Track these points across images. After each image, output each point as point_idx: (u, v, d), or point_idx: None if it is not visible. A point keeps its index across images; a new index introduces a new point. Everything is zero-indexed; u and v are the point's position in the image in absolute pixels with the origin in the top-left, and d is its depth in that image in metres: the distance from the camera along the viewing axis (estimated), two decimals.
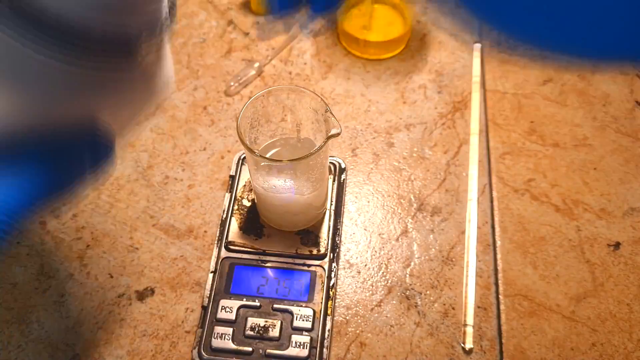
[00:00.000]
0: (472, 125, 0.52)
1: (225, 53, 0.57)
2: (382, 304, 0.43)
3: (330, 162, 0.48)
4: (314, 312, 0.41)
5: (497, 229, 0.46)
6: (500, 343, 0.41)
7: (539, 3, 0.19)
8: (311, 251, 0.43)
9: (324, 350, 0.39)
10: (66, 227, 0.46)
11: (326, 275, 0.42)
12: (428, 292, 0.43)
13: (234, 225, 0.44)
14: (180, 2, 0.61)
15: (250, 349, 0.39)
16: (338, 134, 0.36)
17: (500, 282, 0.44)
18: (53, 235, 0.46)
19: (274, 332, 0.40)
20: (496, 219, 0.47)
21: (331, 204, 0.46)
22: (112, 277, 0.44)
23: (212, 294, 0.42)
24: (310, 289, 0.42)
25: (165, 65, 0.28)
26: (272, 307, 0.41)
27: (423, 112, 0.53)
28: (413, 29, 0.59)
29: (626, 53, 0.19)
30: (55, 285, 0.43)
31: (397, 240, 0.46)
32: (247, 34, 0.59)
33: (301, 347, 0.39)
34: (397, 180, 0.49)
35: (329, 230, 0.44)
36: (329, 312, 0.41)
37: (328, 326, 0.40)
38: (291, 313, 0.41)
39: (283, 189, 0.39)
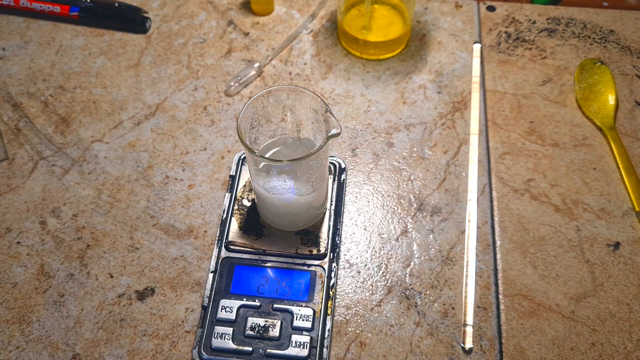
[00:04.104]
0: (471, 125, 0.52)
1: (225, 53, 0.57)
2: (382, 303, 0.43)
3: (330, 162, 0.48)
4: (314, 312, 0.41)
5: (497, 229, 0.46)
6: (500, 343, 0.41)
7: None
8: (311, 251, 0.43)
9: (324, 350, 0.39)
10: (66, 227, 0.46)
11: (326, 275, 0.42)
12: (428, 292, 0.43)
13: (234, 225, 0.44)
14: (180, 2, 0.61)
15: (250, 348, 0.40)
16: (338, 134, 0.36)
17: (500, 282, 0.44)
18: (53, 235, 0.46)
19: (274, 332, 0.40)
20: (496, 218, 0.47)
21: (331, 204, 0.46)
22: (112, 277, 0.44)
23: (212, 294, 0.42)
24: (310, 288, 0.42)
25: None
26: (272, 307, 0.41)
27: (423, 112, 0.53)
28: (413, 29, 0.59)
29: None
30: (55, 285, 0.44)
31: (397, 240, 0.46)
32: (247, 34, 0.59)
33: (301, 346, 0.40)
34: (397, 180, 0.49)
35: (329, 230, 0.44)
36: (329, 312, 0.41)
37: (328, 326, 0.40)
38: (291, 313, 0.41)
39: (283, 189, 0.39)
